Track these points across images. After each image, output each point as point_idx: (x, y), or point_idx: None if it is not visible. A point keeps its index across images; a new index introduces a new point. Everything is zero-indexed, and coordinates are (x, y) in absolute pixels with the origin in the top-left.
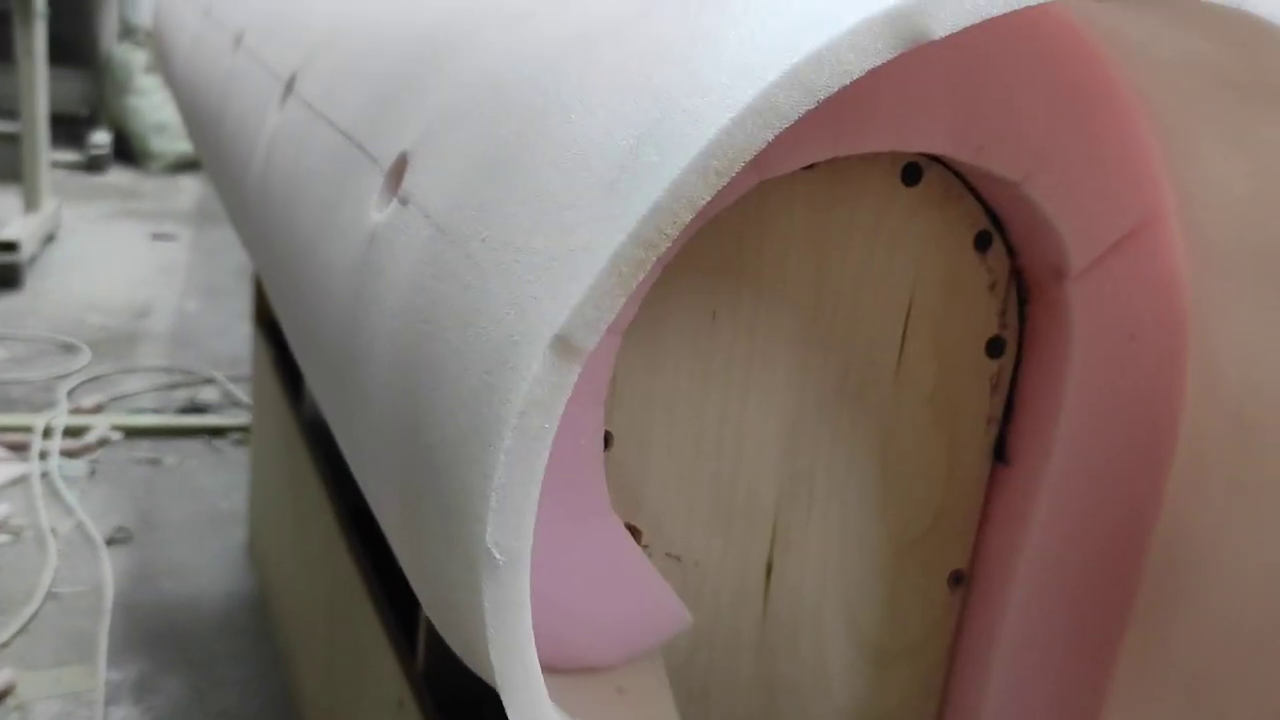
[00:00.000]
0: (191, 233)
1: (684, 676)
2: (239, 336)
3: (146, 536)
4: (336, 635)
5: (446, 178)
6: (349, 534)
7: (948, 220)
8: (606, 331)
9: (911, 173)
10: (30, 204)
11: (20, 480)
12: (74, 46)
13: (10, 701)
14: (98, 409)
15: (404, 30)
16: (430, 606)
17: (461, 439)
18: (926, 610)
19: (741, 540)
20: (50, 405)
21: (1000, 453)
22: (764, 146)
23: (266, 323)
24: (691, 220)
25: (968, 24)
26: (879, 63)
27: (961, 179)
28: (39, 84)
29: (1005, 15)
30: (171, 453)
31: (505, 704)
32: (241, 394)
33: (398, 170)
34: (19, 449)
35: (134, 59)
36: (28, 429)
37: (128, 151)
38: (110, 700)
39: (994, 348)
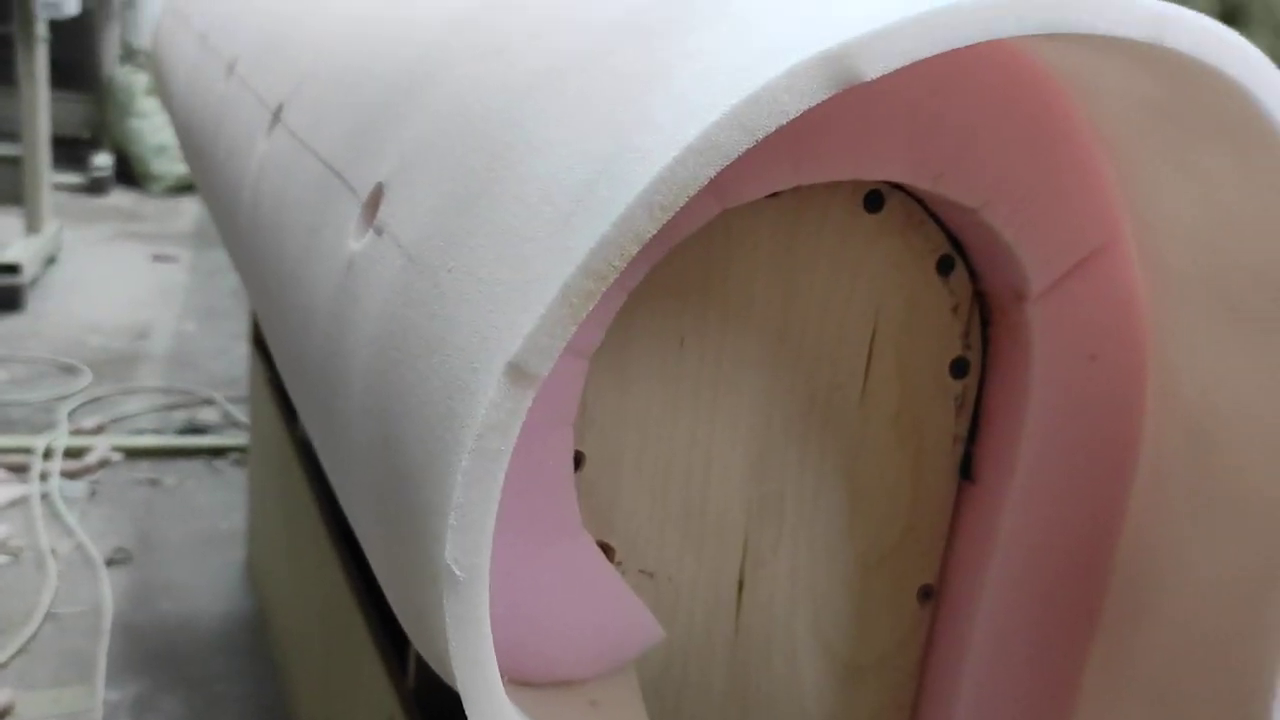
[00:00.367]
0: (191, 254)
1: (658, 690)
2: (237, 357)
3: (146, 557)
4: (331, 653)
5: (418, 209)
6: (342, 553)
7: (910, 245)
8: (573, 356)
9: (873, 200)
10: (32, 226)
11: (20, 501)
12: (76, 69)
13: None
14: (98, 430)
15: (384, 63)
16: (404, 620)
17: (427, 461)
18: (896, 625)
19: (713, 557)
20: (51, 426)
21: (966, 470)
22: (707, 182)
23: (263, 344)
24: (656, 247)
25: (897, 66)
26: (815, 103)
27: (923, 205)
28: (40, 107)
29: (959, 49)
30: (171, 473)
31: (467, 710)
32: (240, 414)
33: (374, 200)
34: (19, 470)
35: (135, 82)
36: (28, 450)
37: (129, 173)
38: None
39: (958, 368)
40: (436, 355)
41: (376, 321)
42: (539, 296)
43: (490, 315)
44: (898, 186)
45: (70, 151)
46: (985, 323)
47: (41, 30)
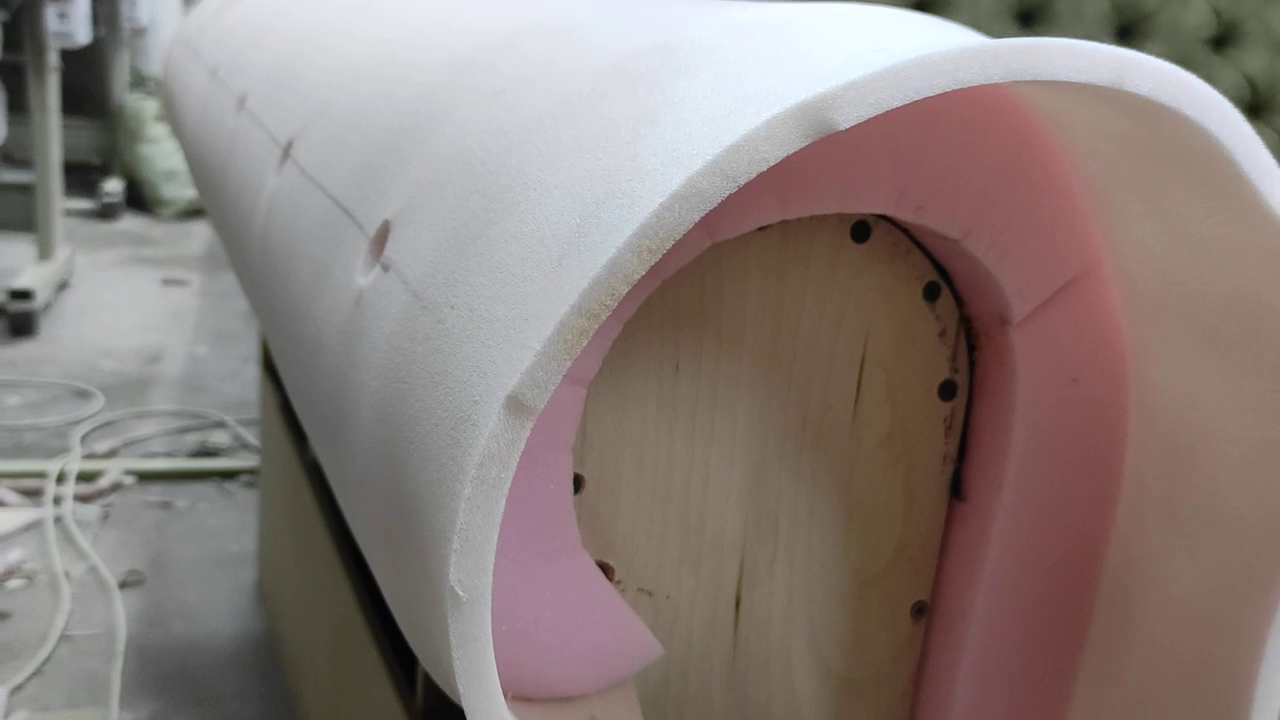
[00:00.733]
0: (201, 278)
1: (658, 705)
2: (248, 380)
3: (158, 579)
4: (340, 672)
5: (422, 247)
6: (351, 574)
7: (896, 273)
8: (572, 384)
9: (860, 230)
10: (44, 252)
11: (35, 525)
12: (86, 96)
13: None
14: (111, 454)
15: (389, 103)
16: (411, 640)
17: (431, 488)
18: (890, 640)
19: (711, 576)
20: (64, 451)
21: (957, 489)
22: (690, 227)
23: (273, 368)
24: (650, 280)
25: (870, 115)
26: (792, 150)
27: (908, 234)
28: (52, 135)
29: None
30: (183, 496)
31: None
32: (251, 437)
33: (381, 238)
34: (33, 494)
35: (145, 108)
36: (42, 474)
37: (139, 199)
38: None
39: (946, 391)
40: (440, 387)
41: (384, 354)
42: (535, 333)
43: (490, 350)
44: (884, 217)
45: (81, 177)
46: (972, 347)
47: (53, 60)
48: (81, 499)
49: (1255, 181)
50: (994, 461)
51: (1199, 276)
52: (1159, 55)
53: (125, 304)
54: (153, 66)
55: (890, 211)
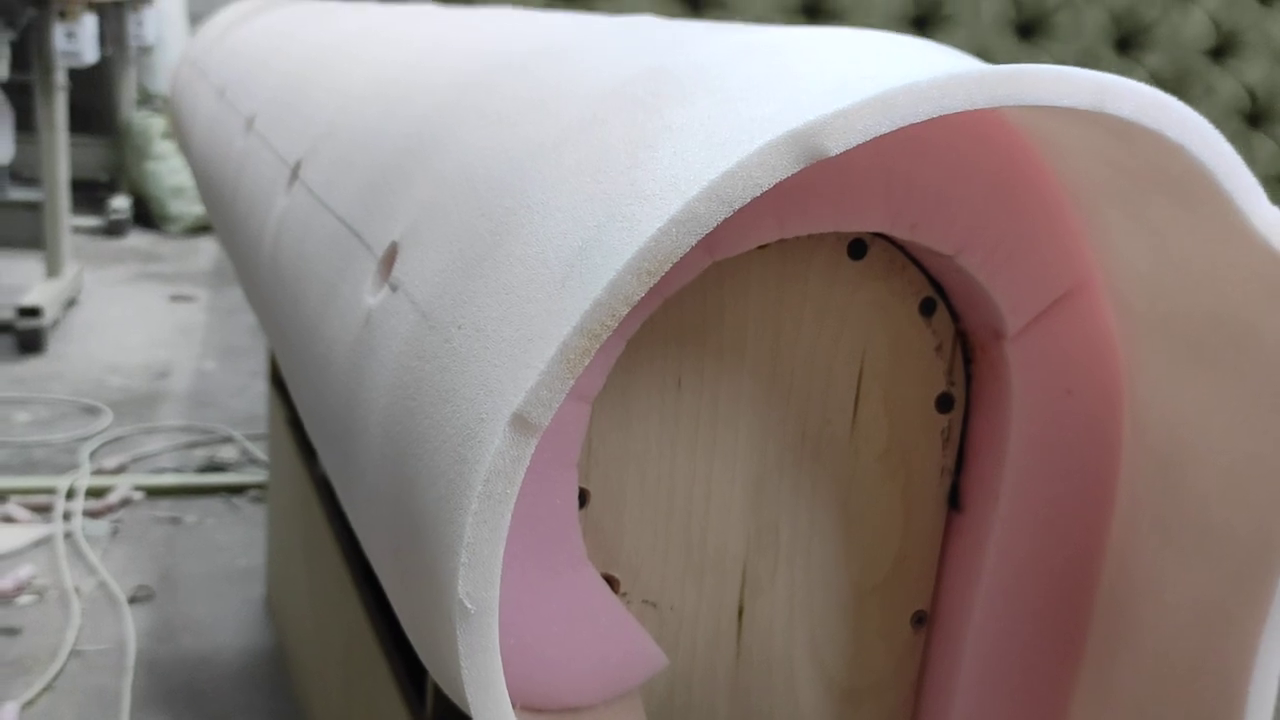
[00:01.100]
0: (209, 294)
1: (664, 715)
2: (256, 395)
3: (167, 594)
4: (350, 685)
5: (430, 268)
6: (360, 587)
7: (893, 289)
8: (576, 400)
9: (857, 248)
10: (52, 270)
11: (44, 541)
12: (93, 114)
13: None
14: (120, 469)
15: (396, 125)
16: (420, 651)
17: (439, 503)
18: (891, 650)
19: (714, 587)
20: (73, 467)
21: (955, 500)
22: (688, 250)
23: (281, 383)
24: (652, 298)
25: (859, 142)
26: (784, 176)
27: (904, 251)
28: (60, 154)
29: None
30: (191, 511)
31: None
32: (259, 452)
33: (389, 258)
34: (43, 510)
35: (152, 125)
36: (51, 491)
37: (146, 215)
38: None
39: (943, 404)
40: (448, 405)
41: (392, 372)
42: (539, 353)
43: (495, 370)
44: (880, 235)
45: (88, 195)
46: (968, 360)
47: (61, 79)
48: (91, 515)
49: (1237, 201)
50: (991, 473)
51: (1184, 293)
52: (1159, 66)
53: (133, 320)
54: (159, 84)
55: (885, 230)
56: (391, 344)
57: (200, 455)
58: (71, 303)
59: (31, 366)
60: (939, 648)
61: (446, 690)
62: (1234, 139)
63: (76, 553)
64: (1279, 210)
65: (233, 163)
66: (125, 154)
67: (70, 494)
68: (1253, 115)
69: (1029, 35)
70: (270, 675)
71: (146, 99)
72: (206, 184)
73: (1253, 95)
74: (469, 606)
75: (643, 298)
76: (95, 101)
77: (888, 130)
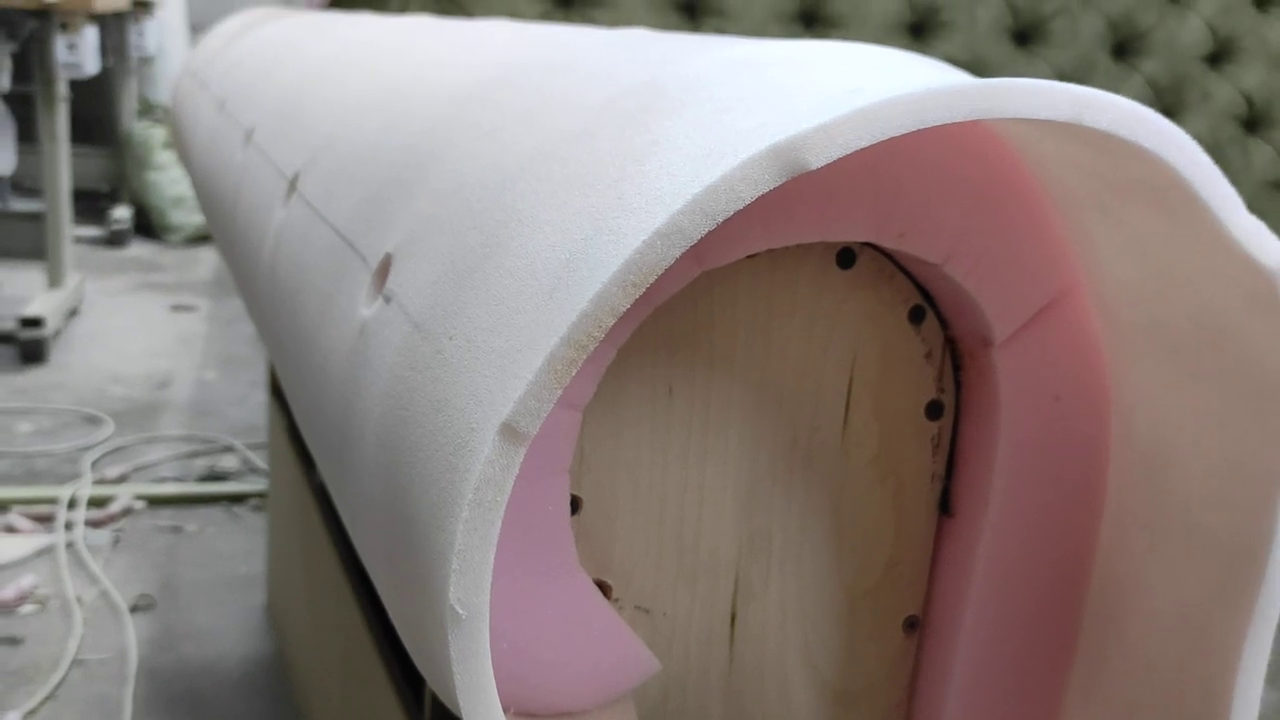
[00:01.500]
0: (209, 303)
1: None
2: (256, 404)
3: (169, 603)
4: (349, 692)
5: (423, 279)
6: (359, 595)
7: (882, 298)
8: (567, 409)
9: (846, 257)
10: (53, 280)
11: (47, 551)
12: (94, 125)
13: None
14: (121, 479)
15: (392, 138)
16: (415, 657)
17: (431, 511)
18: (883, 654)
19: (706, 592)
20: (75, 476)
21: (945, 506)
22: (673, 262)
23: (281, 393)
24: (642, 307)
25: (840, 155)
26: (767, 189)
27: (893, 260)
28: (62, 165)
29: None
30: (193, 520)
31: None
32: (260, 461)
33: (383, 270)
34: (45, 520)
35: (153, 135)
36: (53, 500)
37: (147, 225)
38: None
39: (933, 410)
40: (440, 415)
41: (386, 383)
42: (527, 364)
43: (485, 380)
44: (868, 244)
45: (90, 205)
46: (957, 367)
47: (62, 90)
48: (92, 524)
49: (1215, 210)
50: (981, 479)
51: (1166, 300)
52: (1155, 72)
53: (134, 330)
54: (160, 94)
55: (873, 239)
56: (385, 354)
57: (201, 464)
58: (73, 313)
59: (33, 377)
60: (931, 652)
61: (441, 695)
62: (1231, 145)
63: (78, 562)
64: (1256, 219)
65: (232, 174)
66: (126, 164)
67: (72, 504)
68: (1250, 121)
69: (1025, 42)
70: (271, 683)
71: (148, 109)
72: (206, 195)
73: (1250, 101)
74: (460, 612)
75: (633, 307)
76: (96, 112)
77: (868, 143)
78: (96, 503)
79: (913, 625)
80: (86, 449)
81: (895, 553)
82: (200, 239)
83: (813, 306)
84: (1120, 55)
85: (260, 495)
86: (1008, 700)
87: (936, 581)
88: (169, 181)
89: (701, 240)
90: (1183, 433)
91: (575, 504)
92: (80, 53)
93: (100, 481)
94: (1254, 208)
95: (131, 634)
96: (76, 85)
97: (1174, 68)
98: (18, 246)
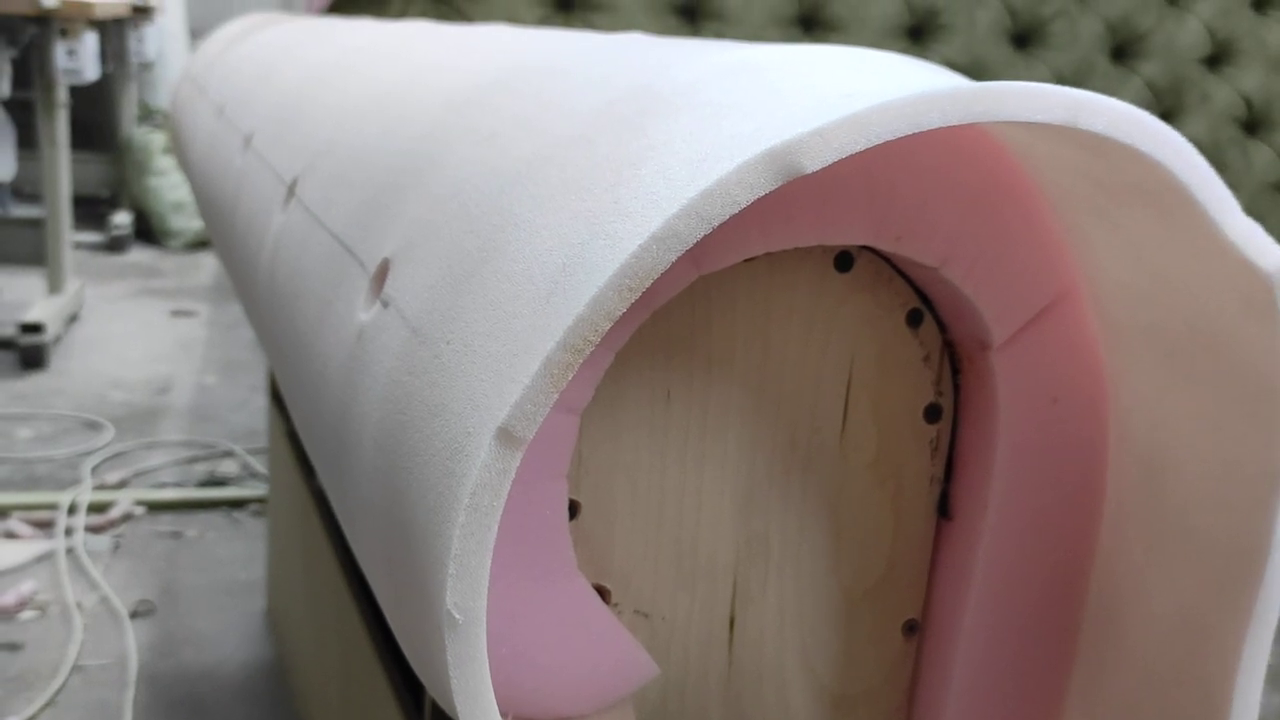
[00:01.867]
0: (209, 309)
1: None
2: (256, 409)
3: (169, 608)
4: (349, 698)
5: (420, 284)
6: (359, 600)
7: (880, 301)
8: (565, 413)
9: (843, 260)
10: (54, 286)
11: (47, 557)
12: (94, 130)
13: None
14: (121, 485)
15: (390, 142)
16: (413, 661)
17: (428, 516)
18: (883, 657)
19: (705, 596)
20: (75, 482)
21: (944, 509)
22: (676, 260)
23: (281, 398)
24: (640, 311)
25: (835, 159)
26: (763, 193)
27: (890, 263)
28: (62, 170)
29: None
30: (193, 525)
31: None
32: (260, 466)
33: (381, 275)
34: (45, 526)
35: (153, 141)
36: (53, 506)
37: (148, 231)
38: None
39: (931, 414)
40: (437, 419)
41: (384, 387)
42: (524, 368)
43: (482, 384)
44: (866, 247)
45: (90, 211)
46: (955, 370)
47: (62, 96)
48: (92, 530)
49: (1211, 212)
50: (980, 482)
51: (1163, 303)
52: (1154, 75)
53: (135, 335)
54: (160, 99)
55: (870, 242)
56: (383, 359)
57: (201, 470)
58: (73, 318)
59: (34, 382)
60: (931, 655)
61: (438, 700)
62: (1231, 147)
63: (78, 568)
64: (1252, 221)
65: (231, 180)
66: (126, 170)
67: (72, 509)
68: (1249, 123)
69: (1024, 45)
70: (271, 688)
71: (148, 115)
72: (206, 201)
73: (1249, 103)
74: (457, 617)
75: (630, 311)
76: (96, 118)
77: (863, 147)
78: (96, 508)
79: (912, 628)
80: (86, 454)
81: (894, 556)
82: (200, 244)
83: (811, 310)
84: (1119, 58)
85: (260, 500)
86: (1007, 703)
87: (935, 585)
88: (169, 187)
89: (699, 244)
90: (1180, 435)
91: (574, 508)
92: (80, 59)
93: (100, 487)
94: (1254, 210)
95: (131, 640)
96: (76, 91)
97: (1173, 70)
98: (18, 252)
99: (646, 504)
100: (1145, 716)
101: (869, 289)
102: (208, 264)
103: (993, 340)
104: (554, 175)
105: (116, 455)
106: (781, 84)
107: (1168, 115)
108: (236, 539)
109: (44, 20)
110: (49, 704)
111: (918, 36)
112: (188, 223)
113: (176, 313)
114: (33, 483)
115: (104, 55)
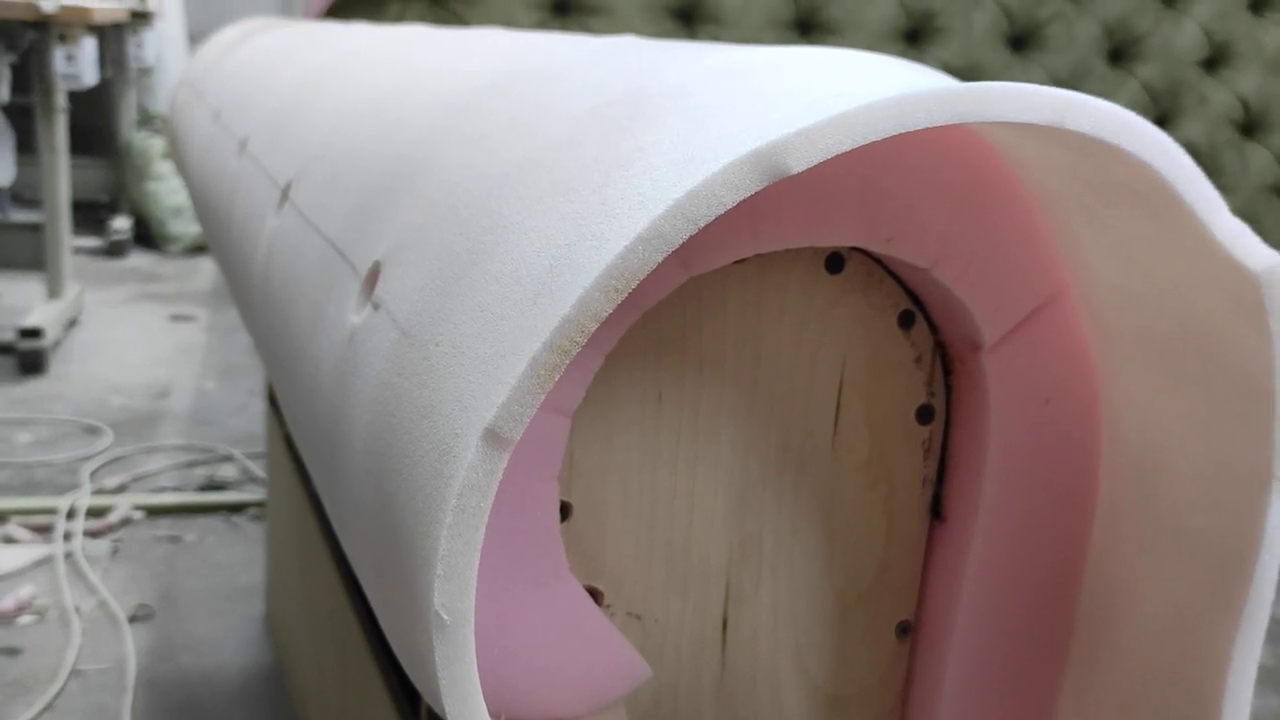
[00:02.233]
0: (208, 313)
1: None
2: (255, 414)
3: (167, 613)
4: (346, 702)
5: (410, 286)
6: (356, 604)
7: (871, 303)
8: (555, 414)
9: (834, 261)
10: (53, 291)
11: (45, 561)
12: (93, 135)
13: None
14: (120, 489)
15: (382, 146)
16: (404, 663)
17: (417, 517)
18: (876, 659)
19: (698, 598)
20: (74, 487)
21: (937, 510)
22: (664, 259)
23: (279, 401)
24: (629, 312)
25: (821, 160)
26: (749, 194)
27: (882, 264)
28: (61, 175)
29: None
30: (191, 530)
31: None
32: (259, 470)
33: (372, 278)
34: (44, 530)
35: (152, 146)
36: (52, 511)
37: (147, 235)
38: None
39: (924, 415)
40: (426, 421)
41: (374, 389)
42: (511, 369)
43: (470, 385)
44: (857, 248)
45: (89, 216)
46: (947, 372)
47: (61, 101)
48: (91, 534)
49: (1199, 213)
50: (972, 483)
51: (1153, 304)
52: (1151, 77)
53: (134, 340)
54: (159, 104)
55: (861, 243)
56: (374, 361)
57: (200, 474)
58: (72, 323)
59: (33, 387)
60: (924, 657)
61: (429, 700)
62: (1228, 149)
63: (77, 572)
64: (1239, 221)
65: (226, 184)
66: (125, 175)
67: (71, 514)
68: (1246, 125)
69: (1021, 47)
70: (270, 693)
71: (146, 120)
72: (202, 206)
73: (1246, 105)
74: (445, 618)
75: (621, 312)
76: (95, 123)
77: (849, 148)
78: (95, 513)
79: (905, 630)
80: (85, 459)
81: (887, 558)
82: (199, 249)
83: (802, 311)
84: (1116, 60)
85: (259, 505)
86: (1001, 704)
87: (928, 586)
88: (168, 191)
89: (688, 245)
90: (1171, 436)
91: (565, 510)
92: (79, 64)
93: (99, 491)
94: (1251, 212)
95: (130, 644)
96: (75, 96)
97: (1170, 73)
98: (17, 257)
99: (638, 506)
100: (1138, 716)
101: (860, 290)
102: (207, 269)
103: (984, 341)
104: (543, 177)
105: (115, 460)
106: (770, 86)
107: (1165, 118)
108: (235, 543)
109: (43, 25)
110: (47, 708)
111: (914, 39)
112: (187, 228)
113: (175, 317)
114: (31, 487)
115: (103, 60)
